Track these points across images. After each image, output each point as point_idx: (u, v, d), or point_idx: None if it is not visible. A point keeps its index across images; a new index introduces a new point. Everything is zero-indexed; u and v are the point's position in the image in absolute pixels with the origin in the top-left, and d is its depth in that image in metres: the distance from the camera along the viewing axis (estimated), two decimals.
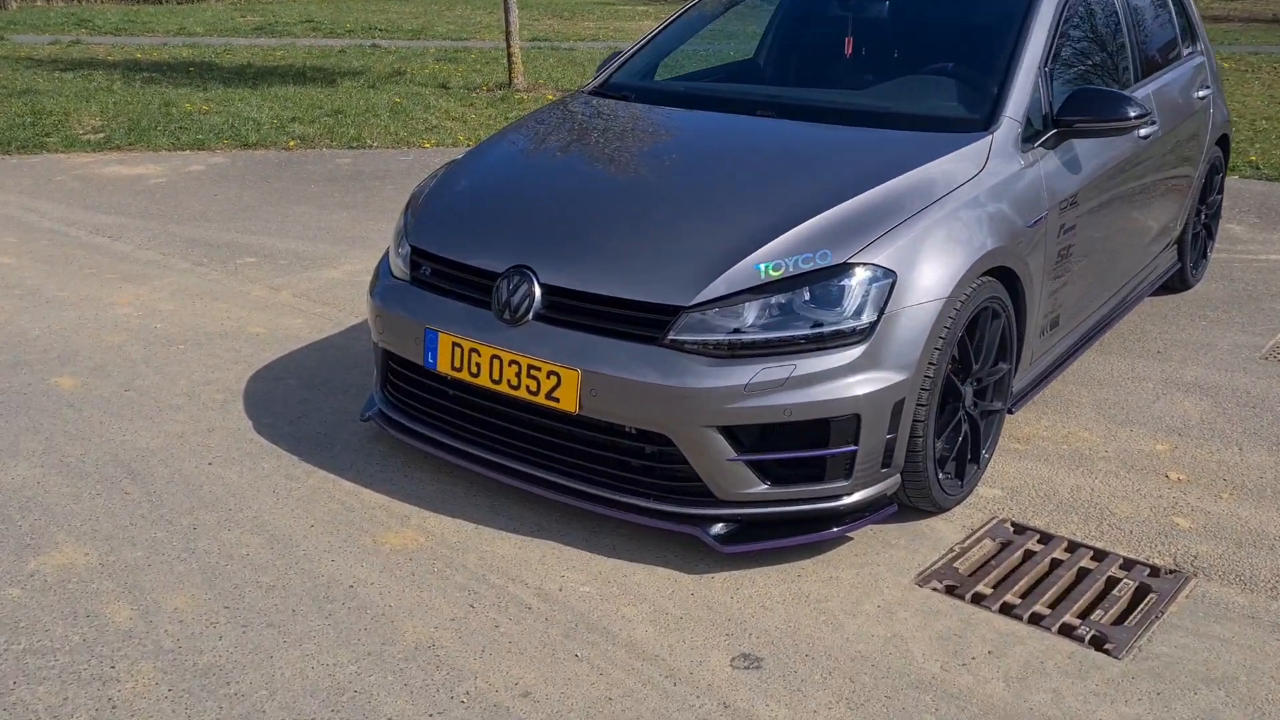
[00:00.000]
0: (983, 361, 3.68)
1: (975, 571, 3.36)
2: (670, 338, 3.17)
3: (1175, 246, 5.71)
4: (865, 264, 3.23)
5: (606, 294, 3.28)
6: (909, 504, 3.54)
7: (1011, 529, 3.61)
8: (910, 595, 3.19)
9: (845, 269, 3.22)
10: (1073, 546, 3.51)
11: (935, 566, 3.36)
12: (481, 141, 4.30)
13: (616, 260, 3.34)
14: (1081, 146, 4.19)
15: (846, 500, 3.29)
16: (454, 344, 3.49)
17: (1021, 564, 3.42)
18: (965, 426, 3.67)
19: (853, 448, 3.21)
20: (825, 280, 3.21)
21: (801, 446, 3.20)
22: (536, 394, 3.33)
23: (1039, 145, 3.96)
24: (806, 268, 3.21)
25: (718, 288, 3.18)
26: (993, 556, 3.46)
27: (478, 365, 3.44)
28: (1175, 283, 5.88)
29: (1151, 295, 5.82)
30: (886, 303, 3.22)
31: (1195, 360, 5.05)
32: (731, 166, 3.76)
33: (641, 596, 3.15)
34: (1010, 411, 3.96)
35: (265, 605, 3.06)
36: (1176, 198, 5.40)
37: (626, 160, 3.93)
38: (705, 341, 3.16)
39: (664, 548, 3.39)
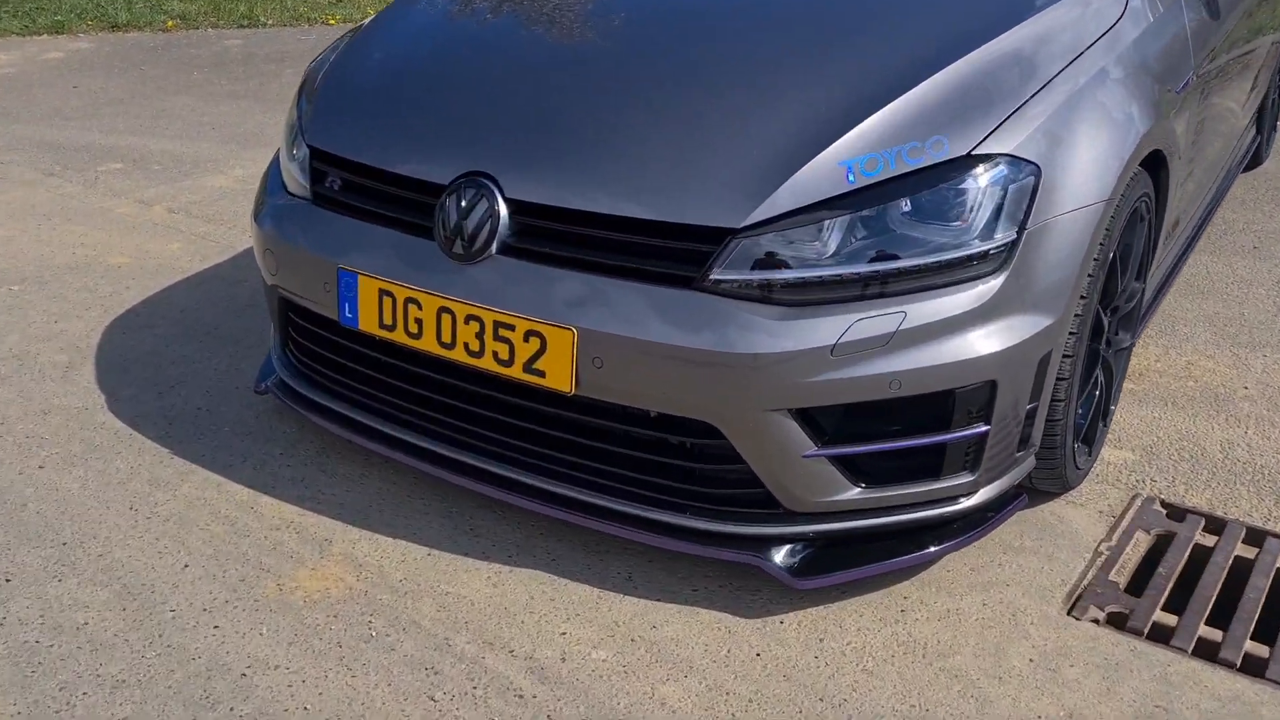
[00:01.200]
0: (1127, 280, 2.65)
1: (1138, 584, 2.40)
2: (713, 277, 2.09)
3: (1255, 118, 4.71)
4: (995, 156, 2.16)
5: (609, 213, 2.17)
6: (1028, 486, 2.54)
7: (1165, 512, 2.64)
8: (1067, 635, 2.21)
9: (967, 165, 2.14)
10: (1256, 535, 2.55)
11: (1085, 582, 2.38)
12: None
13: (621, 161, 2.22)
14: None
15: (969, 501, 2.27)
16: (382, 292, 2.37)
17: (1195, 568, 2.46)
18: (1100, 376, 2.66)
19: (983, 428, 2.18)
20: (938, 183, 2.13)
21: (912, 431, 2.16)
22: (509, 365, 2.23)
23: None
24: (914, 164, 2.13)
25: (781, 200, 2.09)
26: (1153, 558, 2.50)
27: (418, 322, 2.33)
28: (1249, 160, 4.90)
29: None
30: (1029, 212, 2.16)
31: None
32: (778, 19, 2.60)
33: (686, 664, 2.12)
34: (1133, 341, 2.96)
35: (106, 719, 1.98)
36: (1268, 61, 4.38)
37: (622, 13, 2.76)
38: (767, 282, 2.08)
39: (708, 584, 2.36)
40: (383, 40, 2.85)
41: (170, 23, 8.35)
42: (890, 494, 2.20)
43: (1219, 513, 2.63)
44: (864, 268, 2.08)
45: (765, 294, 2.08)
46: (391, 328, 2.38)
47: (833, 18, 2.57)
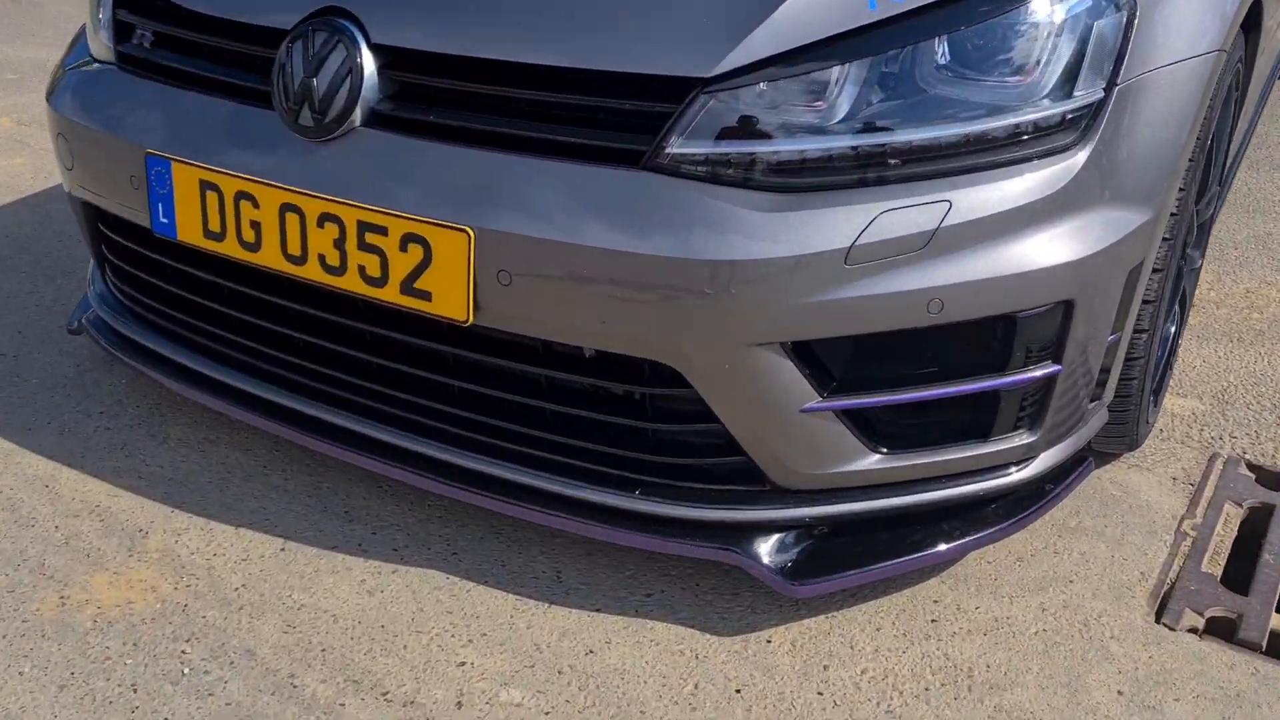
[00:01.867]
0: (1216, 175, 2.02)
1: (1239, 576, 1.79)
2: (671, 151, 1.43)
3: None
4: None
5: (521, 61, 1.49)
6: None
7: (1254, 476, 2.04)
8: (1163, 654, 1.60)
9: None
10: None
11: (1172, 575, 1.77)
12: None
13: None
14: None
15: (1024, 471, 1.64)
16: (204, 184, 1.68)
17: None
18: (1175, 300, 2.04)
19: (1051, 368, 1.55)
20: (990, 15, 1.47)
21: (955, 374, 1.52)
22: (381, 285, 1.56)
23: None
24: None
25: (766, 37, 1.42)
26: (1251, 538, 1.89)
27: (255, 227, 1.65)
28: None
29: None
30: (1119, 61, 1.51)
31: None
32: None
33: (636, 708, 1.49)
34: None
35: None
36: None
37: None
38: (749, 157, 1.42)
39: (667, 588, 1.72)
40: None
41: None
42: (921, 462, 1.57)
43: None
44: (888, 137, 1.42)
45: (746, 175, 1.42)
46: (220, 236, 1.69)
47: None
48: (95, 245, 2.06)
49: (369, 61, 1.57)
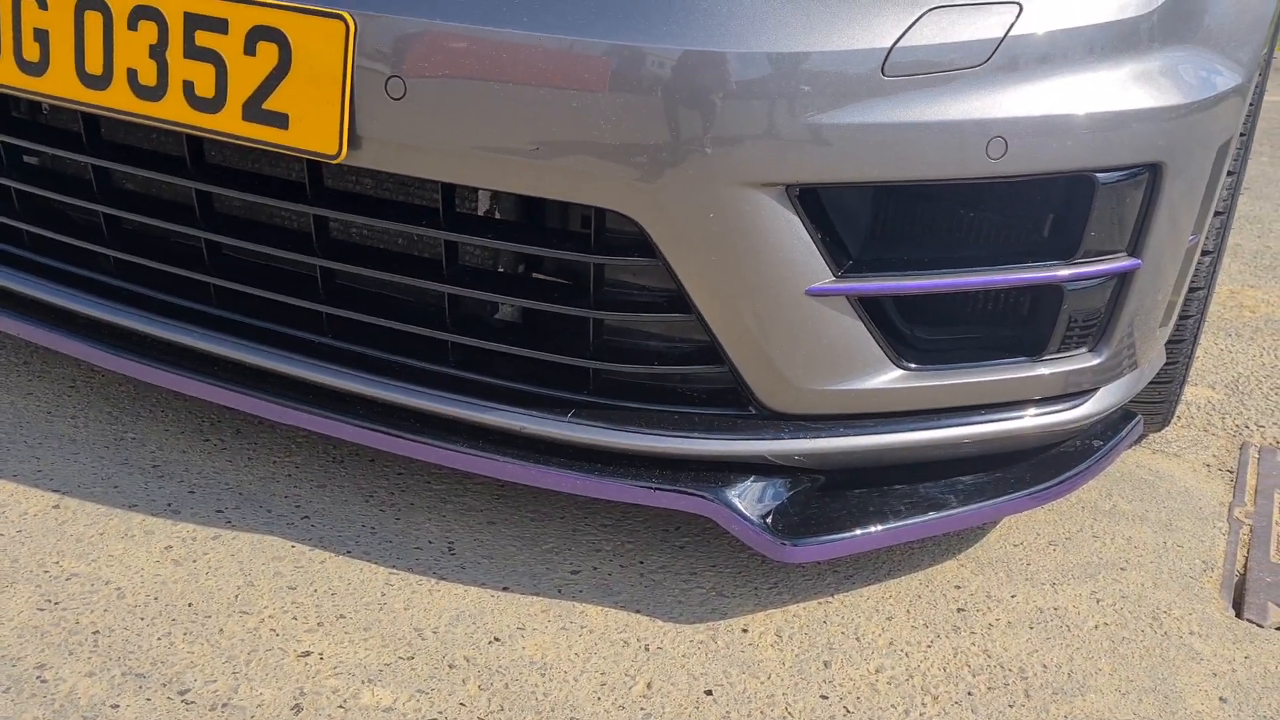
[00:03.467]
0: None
1: None
2: None
3: None
4: None
5: None
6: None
7: None
8: (1258, 652, 1.20)
9: None
10: None
11: (1240, 565, 1.39)
12: None
13: None
14: None
15: (1078, 410, 1.24)
16: None
17: None
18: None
19: (1130, 261, 1.16)
20: None
21: (1010, 257, 1.12)
22: (216, 108, 1.09)
23: None
24: None
25: None
26: None
27: (41, 37, 1.17)
28: None
29: None
30: None
31: None
32: None
33: (562, 717, 1.01)
34: None
35: None
36: None
37: None
38: None
39: (604, 553, 1.26)
40: None
41: None
42: (956, 382, 1.15)
43: None
44: None
45: None
46: None
47: None
48: None
49: None
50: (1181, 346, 1.44)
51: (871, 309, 1.10)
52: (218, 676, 1.01)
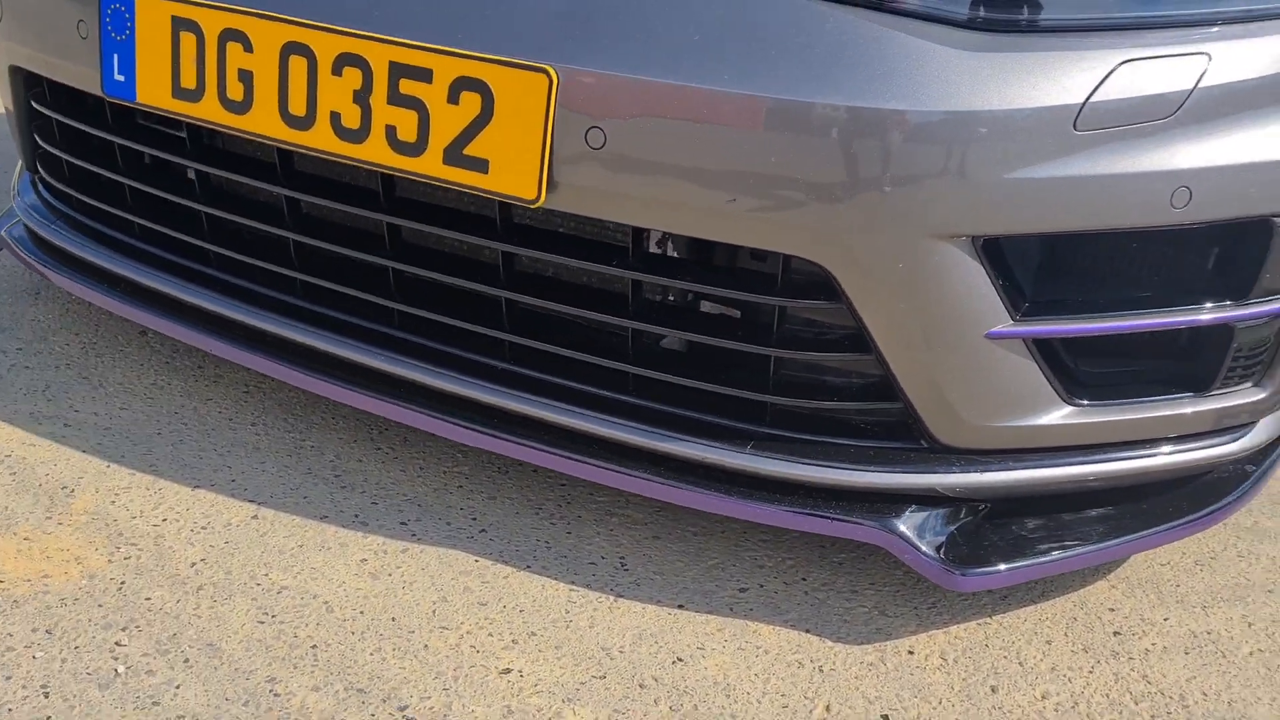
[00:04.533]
0: None
1: None
2: None
3: None
4: None
5: None
6: None
7: None
8: None
9: None
10: None
11: None
12: None
13: None
14: None
15: (1238, 443, 1.27)
16: (178, 21, 1.26)
17: None
18: None
19: None
20: None
21: (1183, 299, 1.15)
22: (418, 152, 1.15)
23: None
24: None
25: None
26: None
27: (245, 79, 1.23)
28: None
29: None
30: None
31: None
32: None
33: None
34: None
35: None
36: None
37: None
38: None
39: (767, 575, 1.32)
40: None
41: None
42: (1123, 418, 1.19)
43: None
44: None
45: (953, 6, 1.04)
46: (196, 94, 1.27)
47: None
48: (26, 135, 1.62)
49: None
50: None
51: (1045, 349, 1.13)
52: (431, 693, 1.09)
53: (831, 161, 1.03)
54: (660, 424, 1.20)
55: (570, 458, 1.23)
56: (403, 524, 1.34)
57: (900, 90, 1.01)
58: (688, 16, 1.06)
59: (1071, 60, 1.03)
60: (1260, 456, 1.35)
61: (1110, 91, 1.03)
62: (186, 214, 1.43)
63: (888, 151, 1.02)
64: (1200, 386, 1.20)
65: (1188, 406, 1.20)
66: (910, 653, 1.20)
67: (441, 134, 1.14)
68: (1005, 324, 1.10)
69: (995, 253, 1.08)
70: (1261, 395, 1.23)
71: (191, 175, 1.41)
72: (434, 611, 1.20)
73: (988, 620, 1.26)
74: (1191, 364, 1.19)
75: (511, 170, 1.12)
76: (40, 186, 1.67)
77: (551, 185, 1.11)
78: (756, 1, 1.05)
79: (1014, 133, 1.02)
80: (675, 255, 1.18)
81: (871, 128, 1.01)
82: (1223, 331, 1.16)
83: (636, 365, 1.21)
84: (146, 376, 1.60)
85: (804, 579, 1.30)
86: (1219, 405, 1.21)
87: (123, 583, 1.20)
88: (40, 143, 1.60)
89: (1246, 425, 1.26)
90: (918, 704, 1.13)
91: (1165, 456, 1.22)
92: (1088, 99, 1.02)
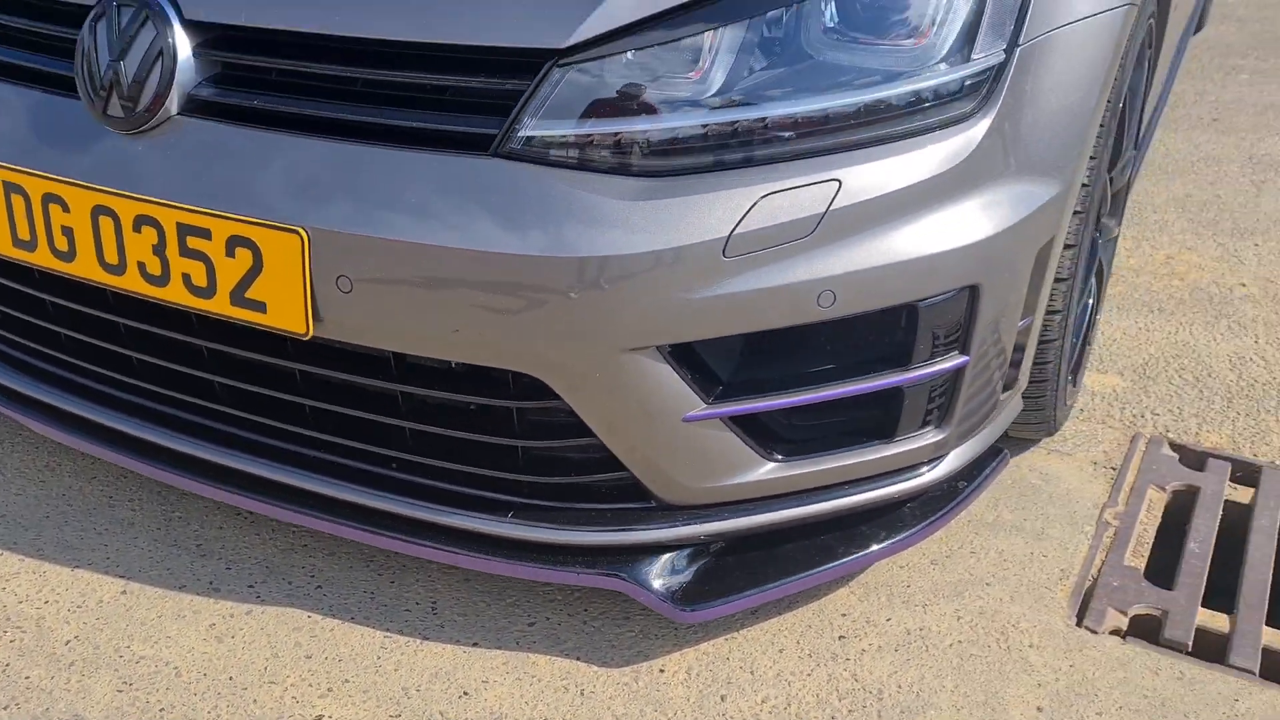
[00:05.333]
0: (1133, 138, 1.90)
1: (1163, 567, 1.69)
2: (525, 134, 1.26)
3: None
4: None
5: (355, 34, 1.31)
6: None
7: (1178, 457, 1.94)
8: (1084, 661, 1.49)
9: None
10: None
11: (1094, 571, 1.66)
12: None
13: None
14: None
15: (935, 471, 1.51)
16: (8, 187, 1.48)
17: (1233, 535, 1.76)
18: (1091, 274, 1.92)
19: (959, 360, 1.41)
20: None
21: (852, 372, 1.38)
22: (209, 295, 1.38)
23: None
24: None
25: (620, 4, 1.26)
26: (1175, 525, 1.79)
27: (68, 234, 1.45)
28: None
29: None
30: (1021, 18, 1.37)
31: (1269, 128, 3.44)
32: None
33: None
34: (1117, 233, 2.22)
35: None
36: None
37: None
38: (615, 138, 1.26)
39: (552, 612, 1.57)
40: None
41: None
42: (820, 468, 1.43)
43: (1248, 454, 1.94)
44: (769, 110, 1.27)
45: (610, 158, 1.26)
46: (30, 245, 1.49)
47: None
48: None
49: (183, 40, 1.38)
50: (1043, 386, 1.68)
51: (740, 422, 1.37)
52: None
53: (531, 299, 1.25)
54: (441, 500, 1.44)
55: (372, 532, 1.48)
56: (250, 587, 1.59)
57: (578, 237, 1.23)
58: (406, 183, 1.28)
59: (721, 199, 1.25)
60: (975, 471, 1.59)
61: (753, 222, 1.25)
62: (48, 333, 1.65)
63: (576, 288, 1.24)
64: (885, 436, 1.43)
65: (876, 453, 1.43)
66: (661, 671, 1.46)
67: (225, 281, 1.36)
68: (699, 408, 1.33)
69: (680, 354, 1.30)
70: (942, 436, 1.46)
71: (45, 300, 1.63)
72: (265, 668, 1.45)
73: (734, 634, 1.51)
74: (874, 419, 1.43)
75: (284, 310, 1.34)
76: None
77: (317, 321, 1.34)
78: (460, 166, 1.27)
79: (675, 264, 1.24)
80: (432, 368, 1.41)
81: (560, 271, 1.24)
82: (894, 392, 1.40)
83: (417, 455, 1.44)
84: (40, 459, 1.84)
85: (585, 610, 1.55)
86: (904, 449, 1.45)
87: (7, 664, 1.45)
88: None
89: (936, 459, 1.49)
90: (654, 715, 1.39)
91: (866, 493, 1.46)
92: (733, 230, 1.24)
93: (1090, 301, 1.94)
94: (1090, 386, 2.12)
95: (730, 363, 1.35)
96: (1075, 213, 1.53)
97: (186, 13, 1.37)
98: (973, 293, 1.37)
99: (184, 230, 1.36)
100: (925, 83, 1.31)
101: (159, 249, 1.39)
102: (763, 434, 1.39)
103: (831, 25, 1.31)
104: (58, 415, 1.67)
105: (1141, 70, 1.86)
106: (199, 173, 1.36)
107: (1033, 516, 1.76)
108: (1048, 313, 1.59)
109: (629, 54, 1.26)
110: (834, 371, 1.37)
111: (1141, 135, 2.26)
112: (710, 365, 1.34)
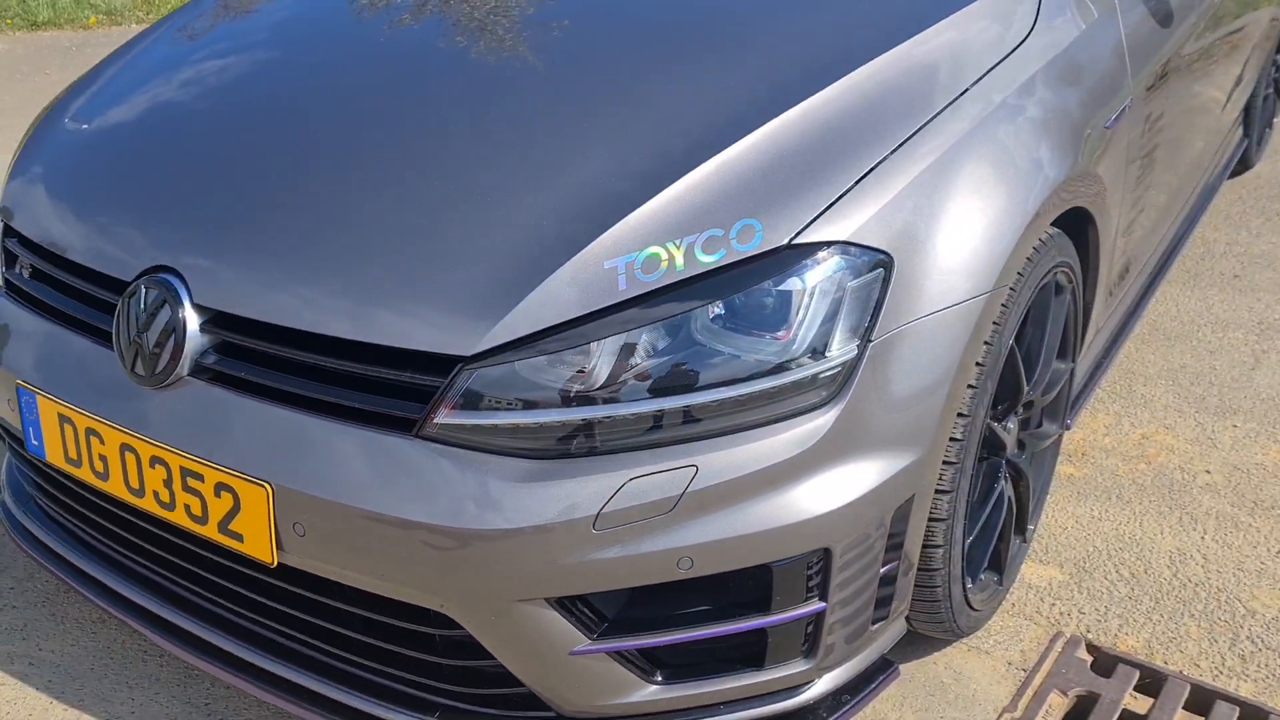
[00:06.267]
0: (1039, 374, 2.09)
1: None
2: (438, 421, 1.55)
3: (1242, 117, 4.11)
4: (829, 244, 1.60)
5: (313, 330, 1.63)
6: (910, 629, 1.99)
7: (1089, 660, 2.10)
8: None
9: (790, 257, 1.59)
10: (1203, 697, 2.00)
11: None
12: (147, 31, 2.58)
13: (335, 262, 1.68)
14: None
15: (809, 692, 1.73)
16: (62, 418, 1.84)
17: None
18: (1008, 492, 2.10)
19: (816, 605, 1.64)
20: (749, 282, 1.58)
21: (719, 616, 1.62)
22: (204, 523, 1.71)
23: None
24: (712, 260, 1.58)
25: (528, 314, 1.55)
26: None
27: (103, 460, 1.80)
28: (1235, 165, 4.29)
29: None
30: (875, 317, 1.61)
31: None
32: (541, 75, 2.01)
33: None
34: (1066, 427, 2.39)
35: None
36: (1257, 51, 3.77)
37: (365, 74, 2.17)
38: (511, 427, 1.54)
39: None
40: (109, 84, 2.31)
41: (93, 19, 7.85)
42: (700, 690, 1.67)
43: (1158, 661, 2.08)
44: (640, 408, 1.53)
45: (503, 445, 1.54)
46: (78, 463, 1.85)
47: (612, 68, 1.99)
48: (5, 443, 2.24)
49: (192, 319, 1.72)
50: (934, 605, 1.88)
51: (622, 652, 1.62)
52: None
53: (440, 557, 1.54)
54: (382, 696, 1.73)
55: (322, 714, 1.76)
56: None
57: (474, 512, 1.51)
58: (348, 453, 1.58)
59: (592, 481, 1.51)
60: (861, 684, 1.80)
61: (619, 501, 1.50)
62: (92, 521, 2.01)
63: (471, 551, 1.52)
64: (755, 665, 1.66)
65: (749, 679, 1.66)
66: None
67: (215, 514, 1.69)
68: (584, 644, 1.59)
69: (564, 602, 1.56)
70: (809, 665, 1.68)
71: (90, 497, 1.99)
72: None
73: None
74: (745, 651, 1.66)
75: (256, 541, 1.66)
76: (17, 470, 2.28)
77: (281, 552, 1.65)
78: (388, 443, 1.57)
79: (553, 534, 1.51)
80: (374, 593, 1.70)
81: (461, 538, 1.52)
82: (759, 631, 1.63)
83: (362, 657, 1.74)
84: (95, 612, 2.20)
85: None
86: (775, 675, 1.67)
87: None
88: (13, 447, 2.22)
89: (811, 682, 1.71)
90: None
91: (744, 712, 1.69)
92: (601, 509, 1.50)
93: (1003, 513, 2.10)
94: (1028, 578, 2.28)
95: (611, 605, 1.60)
96: (948, 463, 1.74)
97: (196, 297, 1.71)
98: (826, 553, 1.60)
99: (185, 472, 1.69)
100: (780, 379, 1.55)
101: (168, 483, 1.72)
102: (643, 661, 1.64)
103: (714, 321, 1.57)
104: (103, 589, 2.02)
105: (1049, 309, 2.04)
106: (199, 427, 1.69)
107: (933, 719, 1.94)
108: (927, 547, 1.79)
109: (525, 359, 1.54)
110: (705, 613, 1.62)
111: (1089, 341, 2.42)
112: (592, 609, 1.59)
